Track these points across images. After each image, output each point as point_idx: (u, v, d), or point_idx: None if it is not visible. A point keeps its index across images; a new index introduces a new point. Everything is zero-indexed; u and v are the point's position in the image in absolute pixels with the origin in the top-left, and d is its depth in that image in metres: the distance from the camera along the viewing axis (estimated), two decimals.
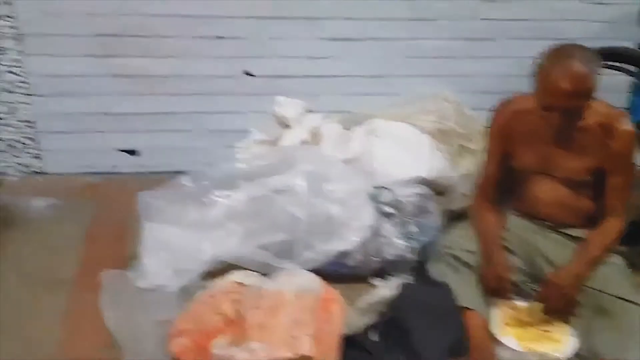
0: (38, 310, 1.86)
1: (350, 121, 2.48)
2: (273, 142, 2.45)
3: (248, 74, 2.53)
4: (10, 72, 2.35)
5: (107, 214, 2.37)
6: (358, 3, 2.47)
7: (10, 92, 2.39)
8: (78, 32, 2.34)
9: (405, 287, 1.79)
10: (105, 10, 2.31)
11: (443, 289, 1.79)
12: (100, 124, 2.53)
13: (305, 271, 1.70)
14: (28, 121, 2.47)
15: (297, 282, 1.59)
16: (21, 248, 2.12)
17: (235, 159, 2.54)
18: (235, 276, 1.66)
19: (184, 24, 2.39)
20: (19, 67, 2.35)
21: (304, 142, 2.36)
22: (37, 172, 2.58)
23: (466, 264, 1.84)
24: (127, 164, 2.63)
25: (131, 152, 2.62)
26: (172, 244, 1.93)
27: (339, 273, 1.93)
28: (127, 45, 2.39)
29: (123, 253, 2.11)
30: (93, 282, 1.95)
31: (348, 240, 1.87)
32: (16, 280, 1.98)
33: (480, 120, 2.39)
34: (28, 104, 2.43)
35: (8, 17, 2.25)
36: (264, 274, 1.80)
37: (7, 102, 2.41)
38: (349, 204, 1.89)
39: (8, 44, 2.30)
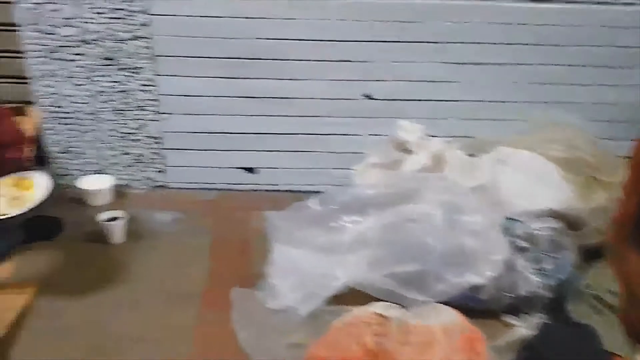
0: (170, 323, 1.91)
1: (473, 147, 2.43)
2: (389, 166, 2.44)
3: (368, 97, 2.54)
4: (143, 90, 2.47)
5: (227, 229, 2.42)
6: (482, 27, 2.43)
7: (141, 109, 2.51)
8: (209, 54, 2.42)
9: (546, 327, 1.72)
10: (237, 35, 2.39)
11: (587, 331, 1.70)
12: (223, 142, 2.61)
13: (446, 306, 1.66)
14: (156, 137, 2.58)
15: (442, 318, 1.55)
16: (150, 260, 2.21)
17: (352, 182, 2.58)
18: (376, 307, 1.64)
19: (310, 48, 2.43)
20: (152, 86, 2.47)
21: (425, 168, 2.33)
22: (159, 186, 2.69)
23: (610, 306, 1.74)
24: (244, 181, 2.70)
25: (249, 170, 2.68)
26: (301, 267, 1.94)
27: (468, 307, 1.88)
28: (254, 67, 2.45)
29: (248, 270, 2.15)
30: (222, 298, 2.00)
31: (482, 274, 1.82)
32: (146, 291, 2.04)
33: (612, 150, 2.29)
34: (157, 120, 2.54)
35: (145, 38, 2.37)
36: (397, 305, 1.78)
37: (138, 118, 2.53)
38: (483, 236, 1.84)
39: (143, 64, 2.42)
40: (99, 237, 2.27)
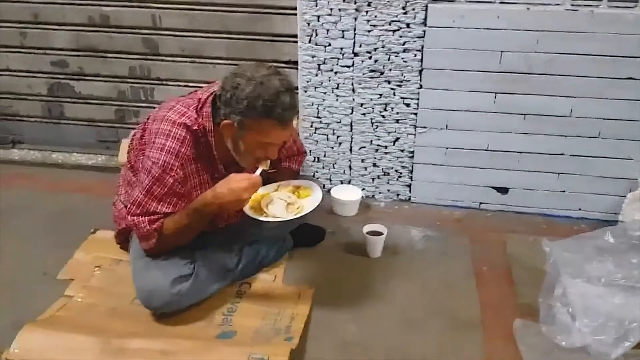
0: (460, 350, 1.82)
1: None
2: None
3: None
4: (406, 104, 2.45)
5: (484, 252, 2.30)
6: None
7: (398, 122, 2.49)
8: (478, 68, 2.33)
9: None
10: (512, 48, 2.27)
11: None
12: (477, 159, 2.51)
13: None
14: (408, 151, 2.55)
15: None
16: (412, 278, 2.15)
17: (622, 210, 2.34)
18: None
19: (592, 64, 2.25)
20: (414, 99, 2.44)
21: None
22: (403, 200, 2.66)
23: None
24: (493, 200, 2.57)
25: (501, 190, 2.55)
26: (601, 305, 1.77)
27: None
28: (527, 82, 2.31)
29: (518, 300, 2.02)
30: (502, 329, 1.89)
31: None
32: (419, 310, 1.98)
33: None
34: (412, 134, 2.51)
35: (416, 50, 2.34)
36: None
37: (394, 131, 2.52)
38: None
39: (412, 77, 2.39)
40: (358, 248, 2.28)
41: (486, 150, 2.48)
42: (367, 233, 2.23)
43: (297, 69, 2.50)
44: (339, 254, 2.28)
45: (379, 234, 2.23)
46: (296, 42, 2.48)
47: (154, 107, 2.90)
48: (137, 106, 2.91)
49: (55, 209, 2.59)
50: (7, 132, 3.07)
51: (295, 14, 2.44)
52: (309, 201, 1.89)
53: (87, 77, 2.89)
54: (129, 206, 1.86)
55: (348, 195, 2.52)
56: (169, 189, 1.82)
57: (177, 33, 2.72)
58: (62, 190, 2.76)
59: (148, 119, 2.01)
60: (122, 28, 2.74)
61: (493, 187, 2.55)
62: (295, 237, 2.25)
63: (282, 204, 1.85)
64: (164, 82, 2.83)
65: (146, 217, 1.80)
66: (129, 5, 2.68)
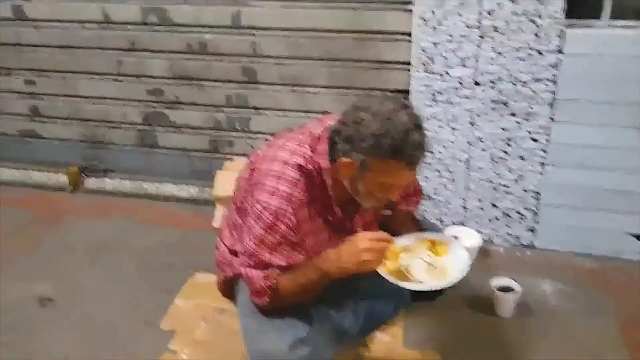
0: None
1: None
2: None
3: None
4: (533, 139, 2.18)
5: (632, 312, 2.01)
6: None
7: (523, 159, 2.22)
8: (623, 99, 2.05)
9: None
10: None
11: None
12: (611, 202, 2.20)
13: None
14: (533, 191, 2.28)
15: None
16: (552, 348, 1.87)
17: None
18: None
19: None
20: (544, 134, 2.17)
21: None
22: (525, 246, 2.38)
23: None
24: (633, 250, 2.26)
25: None
26: None
27: None
28: None
29: None
30: None
31: None
32: None
33: None
34: (540, 173, 2.24)
35: (549, 80, 2.08)
36: None
37: (517, 169, 2.25)
38: None
39: (541, 109, 2.13)
40: (485, 305, 2.02)
41: (626, 192, 2.18)
42: (497, 288, 1.98)
43: (407, 99, 2.30)
44: (463, 311, 2.04)
45: (509, 289, 1.97)
46: (407, 69, 2.28)
47: (249, 137, 2.82)
48: (233, 136, 2.78)
49: (150, 244, 2.50)
50: (100, 161, 3.02)
51: (409, 40, 2.25)
52: (452, 261, 1.65)
53: (182, 106, 2.79)
54: (240, 256, 1.70)
55: (465, 239, 2.27)
56: (282, 237, 1.64)
57: (276, 60, 2.58)
58: (156, 224, 2.66)
59: (255, 156, 1.85)
60: (220, 55, 2.62)
61: (632, 234, 2.24)
62: (413, 290, 2.02)
63: (422, 265, 1.62)
64: (262, 111, 2.69)
65: (261, 272, 1.63)
66: (228, 32, 2.57)
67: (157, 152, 2.93)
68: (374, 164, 1.54)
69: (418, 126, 1.55)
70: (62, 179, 2.97)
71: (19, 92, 2.95)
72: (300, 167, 1.65)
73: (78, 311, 2.13)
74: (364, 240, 1.52)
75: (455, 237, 1.76)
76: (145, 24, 2.63)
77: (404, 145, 1.51)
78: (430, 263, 1.66)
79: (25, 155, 3.08)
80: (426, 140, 1.61)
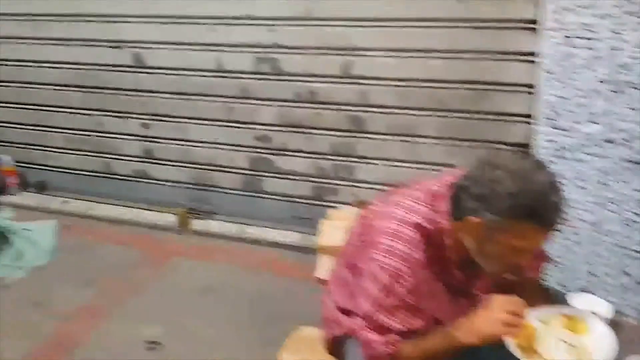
0: None
1: None
2: None
3: None
4: None
5: None
6: None
7: None
8: None
9: None
10: None
11: None
12: None
13: None
14: None
15: None
16: None
17: None
18: None
19: None
20: None
21: None
22: None
23: None
24: None
25: None
26: None
27: None
28: None
29: None
30: None
31: None
32: None
33: None
34: None
35: None
36: None
37: None
38: None
39: None
40: None
41: None
42: None
43: (528, 153, 2.17)
44: None
45: None
46: (527, 122, 2.16)
47: (355, 186, 2.77)
48: (337, 184, 2.76)
49: (253, 291, 2.50)
50: (206, 203, 3.10)
51: (529, 92, 2.13)
52: (593, 340, 1.49)
53: (288, 152, 2.81)
54: (356, 318, 1.63)
55: (593, 308, 2.07)
56: (399, 301, 1.55)
57: (386, 109, 2.54)
58: (259, 269, 2.67)
59: (367, 211, 1.79)
60: (328, 104, 2.62)
61: None
62: None
63: (561, 346, 1.48)
64: (368, 160, 2.65)
65: (381, 337, 1.55)
66: (338, 81, 2.56)
67: (261, 197, 2.96)
68: (507, 226, 1.43)
69: (556, 187, 1.44)
70: (171, 219, 3.06)
71: (134, 135, 3.10)
72: (418, 226, 1.57)
73: (185, 357, 2.15)
74: (500, 308, 1.41)
75: (593, 312, 1.59)
76: (257, 72, 2.69)
77: (541, 206, 1.39)
78: (569, 342, 1.50)
79: (137, 195, 3.21)
80: (564, 202, 1.49)
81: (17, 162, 3.37)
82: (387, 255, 1.56)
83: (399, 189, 1.74)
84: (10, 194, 3.36)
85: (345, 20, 2.46)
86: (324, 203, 2.80)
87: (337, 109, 2.62)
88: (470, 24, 2.29)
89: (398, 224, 1.58)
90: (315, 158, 2.76)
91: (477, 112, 2.36)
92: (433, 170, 2.53)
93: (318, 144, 2.72)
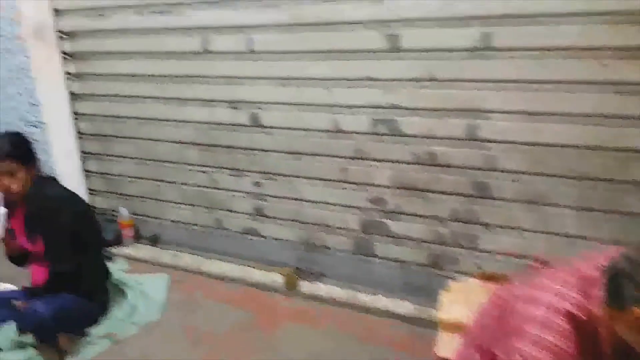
0: None
1: None
2: None
3: None
4: None
5: None
6: None
7: None
8: None
9: None
10: None
11: None
12: None
13: None
14: None
15: None
16: None
17: None
18: None
19: None
20: None
21: None
22: None
23: None
24: None
25: None
26: None
27: None
28: None
29: None
30: None
31: None
32: None
33: None
34: None
35: None
36: None
37: None
38: None
39: None
40: None
41: None
42: None
43: None
44: None
45: None
46: None
47: (477, 257, 2.55)
48: (457, 252, 2.58)
49: None
50: (314, 263, 3.01)
51: None
52: None
53: (402, 216, 2.67)
54: None
55: None
56: None
57: (514, 175, 2.35)
58: (370, 341, 2.51)
59: (505, 291, 1.62)
60: (449, 167, 2.48)
61: None
62: None
63: None
64: (493, 229, 2.47)
65: None
66: (461, 144, 2.43)
67: (372, 261, 2.83)
68: None
69: None
70: (278, 278, 3.00)
71: (247, 192, 3.10)
72: (569, 315, 1.38)
73: None
74: None
75: None
76: (374, 133, 2.62)
77: None
78: None
79: (245, 252, 3.19)
80: None
81: (133, 214, 3.49)
82: (532, 346, 1.39)
83: (541, 269, 1.57)
84: (125, 246, 3.47)
85: (472, 82, 2.33)
86: (441, 272, 2.62)
87: (458, 173, 2.46)
88: (614, 88, 2.10)
89: (546, 311, 1.41)
90: (432, 223, 2.61)
91: (622, 181, 2.13)
92: (565, 242, 2.30)
93: (436, 208, 2.57)
